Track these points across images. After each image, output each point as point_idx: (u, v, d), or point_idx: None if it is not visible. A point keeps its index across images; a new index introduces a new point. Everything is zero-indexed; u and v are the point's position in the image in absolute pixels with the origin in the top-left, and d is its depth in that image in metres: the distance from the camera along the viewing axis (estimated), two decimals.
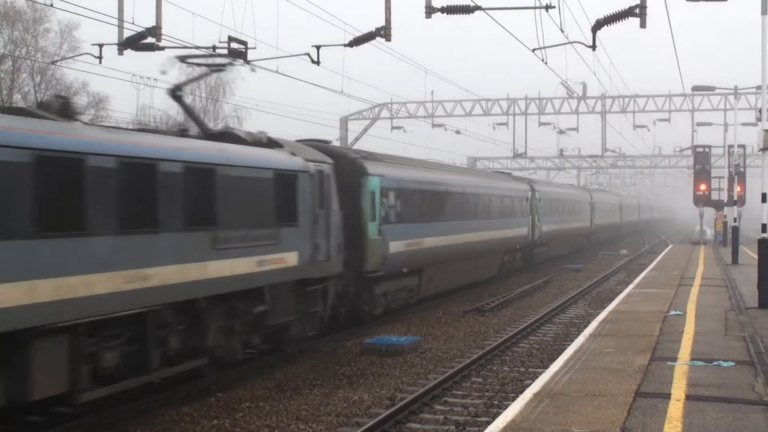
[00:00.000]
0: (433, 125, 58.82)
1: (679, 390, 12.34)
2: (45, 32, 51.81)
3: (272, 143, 19.48)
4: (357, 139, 58.66)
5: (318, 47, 25.04)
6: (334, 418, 14.87)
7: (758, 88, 35.62)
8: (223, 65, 22.07)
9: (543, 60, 24.55)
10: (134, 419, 14.69)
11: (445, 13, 21.20)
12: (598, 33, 21.57)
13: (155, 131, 17.27)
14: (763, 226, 23.63)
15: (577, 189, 66.89)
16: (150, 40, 22.27)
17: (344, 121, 59.29)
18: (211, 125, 25.29)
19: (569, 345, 17.39)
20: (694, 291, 26.74)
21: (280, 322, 18.60)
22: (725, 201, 53.01)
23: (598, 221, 66.84)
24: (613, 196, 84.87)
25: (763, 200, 23.97)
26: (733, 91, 50.26)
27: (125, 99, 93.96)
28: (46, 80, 51.26)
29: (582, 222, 60.19)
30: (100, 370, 13.52)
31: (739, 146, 51.06)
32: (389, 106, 59.33)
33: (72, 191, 12.64)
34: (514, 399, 13.91)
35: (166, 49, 23.75)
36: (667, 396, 11.96)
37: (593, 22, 21.40)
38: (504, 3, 22.65)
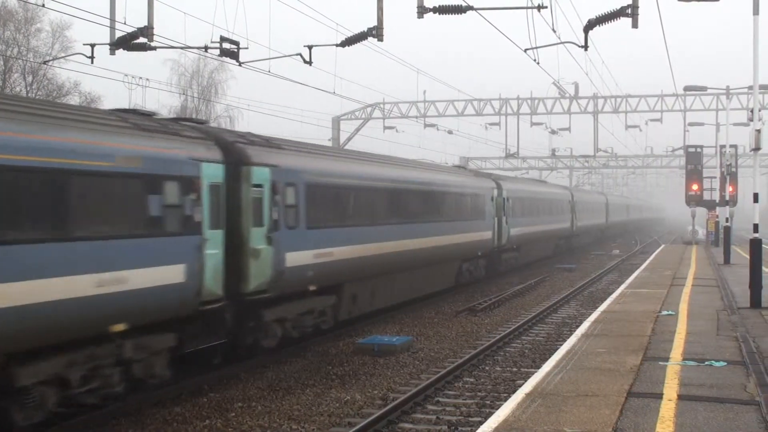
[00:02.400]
0: (425, 125, 58.80)
1: (671, 390, 12.35)
2: (37, 32, 51.75)
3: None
4: (349, 139, 58.63)
5: (310, 47, 25.06)
6: (326, 418, 14.86)
7: (750, 88, 35.70)
8: None
9: (535, 60, 24.57)
10: (126, 419, 14.67)
11: (437, 13, 21.19)
12: (590, 33, 21.61)
13: None
14: (755, 226, 23.69)
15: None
16: (142, 40, 22.25)
17: (336, 121, 59.24)
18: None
19: (561, 345, 17.39)
20: (687, 291, 26.78)
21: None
22: (717, 201, 53.07)
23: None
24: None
25: (755, 200, 24.03)
26: (724, 91, 50.36)
27: (117, 99, 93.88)
28: (38, 80, 51.16)
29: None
30: None
31: (730, 146, 51.13)
32: (381, 106, 59.31)
33: None
34: (506, 399, 13.93)
35: (157, 49, 23.77)
36: (659, 396, 11.98)
37: (585, 22, 21.44)
38: (496, 3, 22.65)
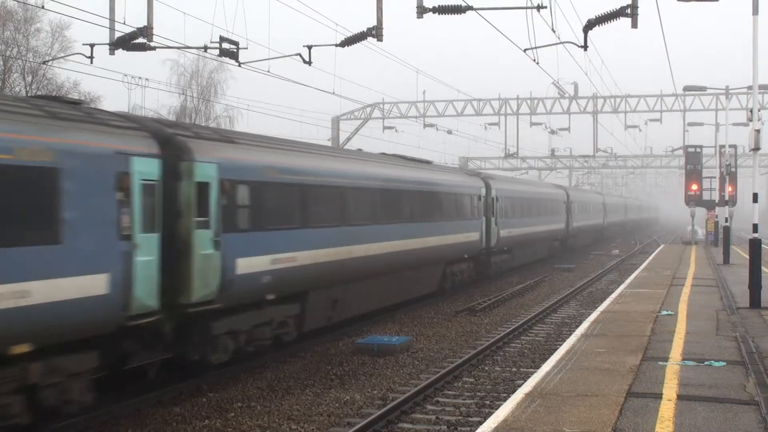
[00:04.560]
0: (425, 125, 58.84)
1: (670, 390, 12.35)
2: (36, 32, 51.67)
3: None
4: (348, 139, 58.65)
5: (309, 47, 25.08)
6: (325, 418, 14.86)
7: (749, 88, 35.70)
8: None
9: (535, 60, 24.58)
10: (126, 419, 14.67)
11: (436, 13, 21.20)
12: (590, 33, 21.62)
13: None
14: (755, 226, 23.70)
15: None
16: (141, 40, 22.27)
17: (336, 121, 59.25)
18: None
19: (561, 345, 17.40)
20: (686, 291, 26.77)
21: None
22: (717, 201, 53.08)
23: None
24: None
25: (755, 200, 24.03)
26: (724, 91, 50.34)
27: (117, 99, 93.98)
28: (38, 80, 51.11)
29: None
30: None
31: (730, 146, 51.15)
32: (381, 106, 59.33)
33: None
34: (505, 399, 13.93)
35: (157, 49, 23.78)
36: (659, 396, 11.98)
37: (585, 23, 21.44)
38: (496, 3, 22.65)
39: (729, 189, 50.12)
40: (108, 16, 22.51)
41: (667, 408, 11.28)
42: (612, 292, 28.51)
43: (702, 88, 47.31)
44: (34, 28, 51.39)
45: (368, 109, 59.09)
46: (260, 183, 18.54)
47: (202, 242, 16.41)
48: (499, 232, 38.41)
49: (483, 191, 36.80)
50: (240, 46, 23.54)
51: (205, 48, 24.01)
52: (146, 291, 14.80)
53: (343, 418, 14.97)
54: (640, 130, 64.86)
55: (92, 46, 24.92)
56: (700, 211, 60.01)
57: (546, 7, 21.48)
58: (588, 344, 16.57)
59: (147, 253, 14.87)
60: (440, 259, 31.37)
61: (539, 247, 50.23)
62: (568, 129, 60.72)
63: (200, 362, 17.17)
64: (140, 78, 39.29)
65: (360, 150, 31.27)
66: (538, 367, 16.36)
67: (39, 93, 48.90)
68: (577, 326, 20.98)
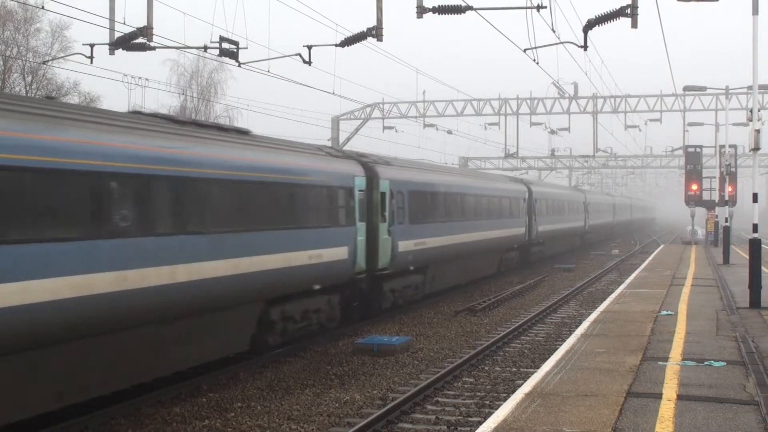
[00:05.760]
0: (425, 125, 58.79)
1: (670, 390, 12.36)
2: (36, 32, 51.71)
3: None
4: (348, 139, 58.63)
5: (309, 47, 25.06)
6: (325, 418, 14.86)
7: (749, 88, 35.71)
8: None
9: (534, 60, 24.58)
10: (125, 419, 14.67)
11: (436, 14, 21.20)
12: (590, 33, 21.62)
13: None
14: (754, 226, 23.70)
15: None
16: (141, 40, 22.26)
17: (336, 121, 59.23)
18: None
19: (561, 345, 17.40)
20: (686, 291, 26.78)
21: None
22: (717, 201, 53.07)
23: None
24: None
25: (754, 200, 24.03)
26: (724, 91, 50.34)
27: (117, 99, 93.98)
28: (38, 80, 51.13)
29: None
30: None
31: (730, 146, 51.14)
32: (381, 105, 59.31)
33: None
34: (505, 399, 13.94)
35: (157, 49, 23.77)
36: (659, 396, 11.98)
37: (585, 23, 21.44)
38: (495, 3, 22.65)
39: (729, 189, 50.12)
40: (108, 16, 22.51)
41: (666, 408, 11.29)
42: (612, 292, 28.51)
43: (702, 88, 47.30)
44: (34, 28, 51.46)
45: (368, 109, 59.08)
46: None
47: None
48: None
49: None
50: (240, 46, 23.52)
51: (205, 48, 24.00)
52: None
53: (343, 418, 14.96)
54: (640, 130, 64.87)
55: (92, 46, 24.91)
56: (700, 211, 60.01)
57: (546, 7, 21.49)
58: (588, 344, 16.58)
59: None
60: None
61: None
62: (568, 129, 60.69)
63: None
64: (140, 78, 39.27)
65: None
66: (538, 367, 16.36)
67: (39, 93, 48.91)
68: (576, 326, 20.99)
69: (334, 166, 23.13)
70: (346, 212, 22.92)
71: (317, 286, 21.15)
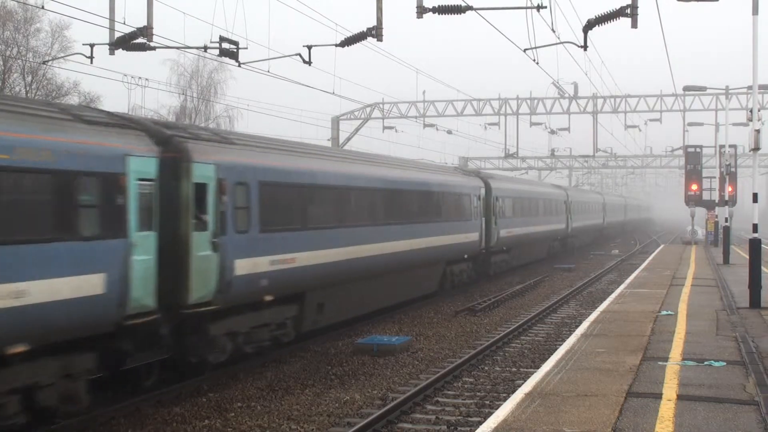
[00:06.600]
0: (425, 125, 58.78)
1: (670, 390, 12.36)
2: (36, 32, 51.66)
3: None
4: (348, 139, 58.64)
5: (309, 47, 25.04)
6: (325, 418, 14.87)
7: (749, 88, 35.69)
8: None
9: (534, 60, 24.57)
10: (125, 419, 14.67)
11: (436, 13, 21.19)
12: (590, 33, 21.61)
13: None
14: (754, 226, 23.70)
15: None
16: (141, 40, 22.25)
17: (336, 121, 59.21)
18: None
19: (561, 345, 17.40)
20: (686, 291, 26.78)
21: None
22: (717, 201, 53.08)
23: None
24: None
25: (754, 200, 24.03)
26: (724, 91, 50.34)
27: (117, 99, 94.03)
28: (38, 80, 51.10)
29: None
30: None
31: (730, 146, 51.15)
32: (380, 106, 59.29)
33: None
34: (505, 399, 13.93)
35: (157, 49, 23.76)
36: (659, 396, 11.98)
37: (585, 23, 21.43)
38: (495, 3, 22.64)
39: (729, 189, 50.12)
40: (108, 16, 22.50)
41: (666, 408, 11.28)
42: (612, 292, 28.51)
43: (702, 88, 47.28)
44: (33, 28, 51.38)
45: (368, 109, 59.06)
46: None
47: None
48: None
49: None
50: (240, 46, 23.51)
51: (205, 48, 23.99)
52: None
53: (343, 418, 14.97)
54: (640, 130, 64.84)
55: (92, 46, 24.90)
56: (700, 211, 60.01)
57: (546, 7, 21.48)
58: (588, 344, 16.58)
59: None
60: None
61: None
62: (568, 129, 60.68)
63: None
64: (140, 78, 39.25)
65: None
66: (538, 367, 16.36)
67: (39, 93, 48.92)
68: (576, 326, 20.99)
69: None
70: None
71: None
